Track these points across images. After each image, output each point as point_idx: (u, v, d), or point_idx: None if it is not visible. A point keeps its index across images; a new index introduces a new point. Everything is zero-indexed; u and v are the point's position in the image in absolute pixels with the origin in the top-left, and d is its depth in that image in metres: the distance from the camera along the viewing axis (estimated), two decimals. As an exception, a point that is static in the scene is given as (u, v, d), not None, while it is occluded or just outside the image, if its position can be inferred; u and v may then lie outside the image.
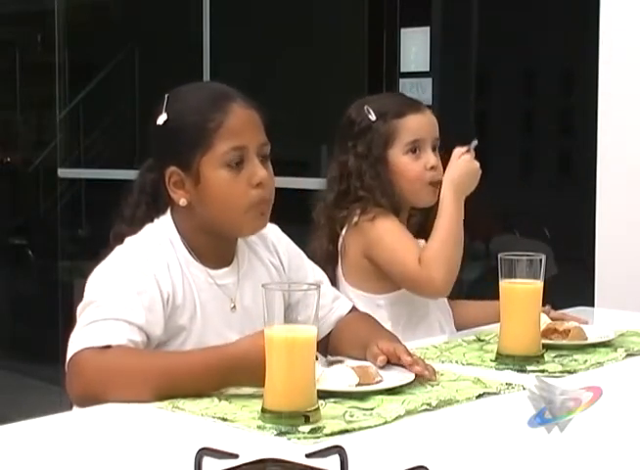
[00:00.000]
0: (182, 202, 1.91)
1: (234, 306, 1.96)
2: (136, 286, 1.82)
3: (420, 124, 2.47)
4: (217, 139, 1.87)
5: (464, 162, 2.39)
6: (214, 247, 1.95)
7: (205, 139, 1.87)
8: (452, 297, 2.56)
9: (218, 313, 1.93)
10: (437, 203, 2.47)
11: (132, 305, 1.79)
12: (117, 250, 1.90)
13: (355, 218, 2.43)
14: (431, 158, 2.45)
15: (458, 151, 2.40)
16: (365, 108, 2.47)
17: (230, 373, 1.69)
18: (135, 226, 1.97)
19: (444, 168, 2.48)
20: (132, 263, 1.86)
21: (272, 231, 2.09)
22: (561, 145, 4.38)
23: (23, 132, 6.84)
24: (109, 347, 1.73)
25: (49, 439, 1.56)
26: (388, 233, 2.40)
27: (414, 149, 2.45)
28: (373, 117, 2.46)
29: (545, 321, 2.18)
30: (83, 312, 1.80)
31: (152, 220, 1.97)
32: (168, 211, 1.96)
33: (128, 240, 1.92)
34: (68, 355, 1.74)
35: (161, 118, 1.91)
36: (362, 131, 2.47)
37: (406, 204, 2.50)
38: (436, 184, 2.45)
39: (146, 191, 2.00)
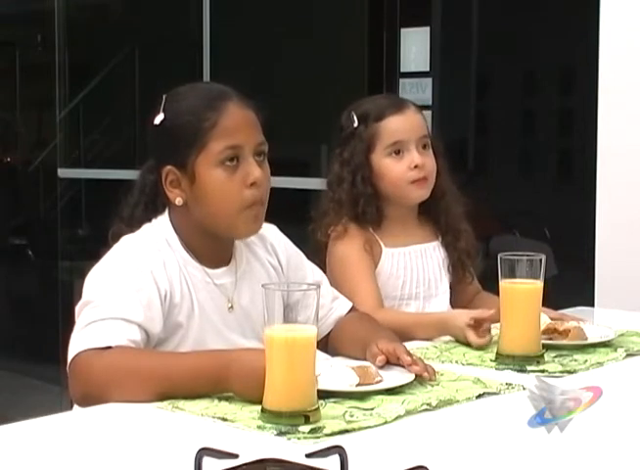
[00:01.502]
0: (178, 201, 1.91)
1: (231, 306, 1.96)
2: (133, 283, 1.82)
3: (400, 125, 2.46)
4: (212, 138, 1.87)
5: (475, 338, 2.19)
6: (211, 246, 1.95)
7: (200, 138, 1.87)
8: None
9: (216, 312, 1.94)
10: (441, 196, 2.49)
11: (130, 303, 1.79)
12: (114, 248, 1.91)
13: (330, 229, 2.46)
14: (414, 157, 2.45)
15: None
16: (350, 114, 2.49)
17: (225, 381, 1.69)
18: (133, 226, 1.97)
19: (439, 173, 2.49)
20: (129, 261, 1.86)
21: (271, 231, 2.09)
22: (561, 145, 4.38)
23: (23, 132, 6.84)
24: (109, 347, 1.73)
25: (49, 439, 1.56)
26: (346, 264, 2.41)
27: (396, 150, 2.45)
28: (355, 122, 2.47)
29: (545, 321, 2.18)
30: (81, 313, 1.80)
31: (150, 220, 1.97)
32: (166, 211, 1.97)
33: (125, 238, 1.93)
34: (69, 357, 1.74)
35: (158, 118, 1.92)
36: (347, 138, 2.49)
37: (394, 206, 2.50)
38: (421, 181, 2.46)
39: (146, 192, 2.00)
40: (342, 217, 2.46)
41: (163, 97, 1.95)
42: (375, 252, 2.47)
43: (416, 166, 2.44)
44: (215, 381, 1.69)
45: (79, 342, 1.75)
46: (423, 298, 2.50)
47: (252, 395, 1.63)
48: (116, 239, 1.95)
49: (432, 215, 2.56)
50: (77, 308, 1.82)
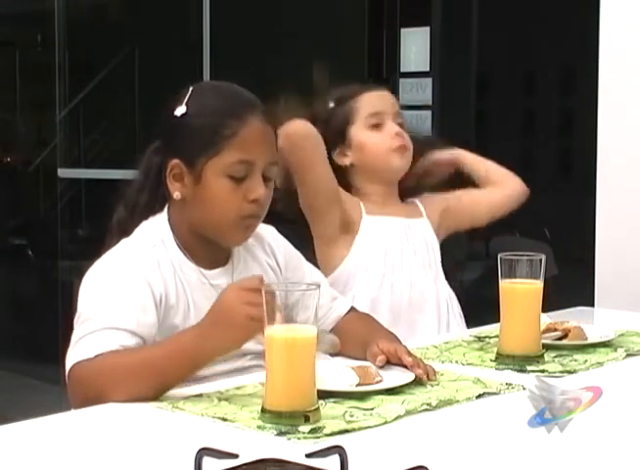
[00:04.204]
0: (176, 195, 1.90)
1: None
2: (126, 291, 1.81)
3: (378, 99, 2.51)
4: (228, 147, 1.85)
5: None
6: (207, 247, 1.94)
7: (216, 144, 1.86)
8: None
9: None
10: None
11: (122, 311, 1.78)
12: (106, 254, 1.89)
13: None
14: (393, 127, 2.47)
15: None
16: (326, 103, 2.52)
17: (206, 334, 1.69)
18: (136, 213, 1.97)
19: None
20: (121, 268, 1.84)
21: (269, 233, 2.08)
22: (561, 145, 4.38)
23: (23, 132, 6.84)
24: (100, 355, 1.73)
25: (49, 439, 1.56)
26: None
27: (375, 123, 2.47)
28: (332, 104, 2.50)
29: (545, 321, 2.18)
30: (75, 327, 1.79)
31: (152, 209, 1.96)
32: (165, 208, 1.96)
33: (119, 244, 1.91)
34: (66, 373, 1.74)
35: (180, 110, 1.89)
36: (324, 122, 2.48)
37: (374, 182, 2.50)
38: (402, 149, 2.47)
39: (150, 176, 1.98)
40: None
41: (189, 89, 1.92)
42: (355, 212, 2.47)
43: (396, 134, 2.46)
44: (196, 340, 1.70)
45: (72, 357, 1.74)
46: (409, 269, 2.48)
47: (231, 332, 1.65)
48: (120, 226, 1.96)
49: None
50: (74, 321, 1.82)
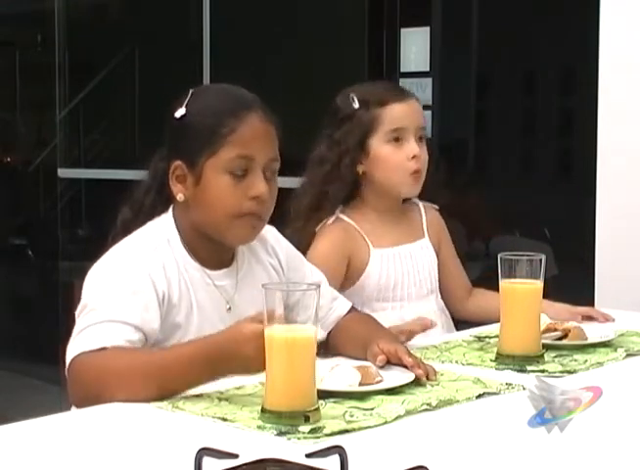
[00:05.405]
0: (179, 197, 1.91)
1: (229, 308, 1.96)
2: (131, 286, 1.82)
3: (403, 113, 2.43)
4: (226, 145, 1.86)
5: None
6: (211, 247, 1.95)
7: (215, 143, 1.87)
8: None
9: (215, 313, 1.93)
10: (424, 192, 2.48)
11: (127, 306, 1.79)
12: (112, 250, 1.90)
13: (319, 226, 2.44)
14: (413, 147, 2.42)
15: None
16: (350, 96, 2.46)
17: (219, 361, 1.68)
18: (141, 214, 1.98)
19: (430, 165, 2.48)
20: (126, 264, 1.86)
21: (271, 233, 2.09)
22: (561, 145, 4.38)
23: (23, 132, 6.84)
24: (104, 348, 1.73)
25: (49, 439, 1.56)
26: (318, 258, 2.36)
27: (396, 138, 2.42)
28: (356, 104, 2.44)
29: (545, 321, 2.18)
30: (79, 318, 1.80)
31: (157, 210, 1.97)
32: (171, 208, 1.97)
33: (125, 240, 1.92)
34: (67, 363, 1.74)
35: (179, 112, 1.91)
36: (344, 120, 2.45)
37: (381, 196, 2.48)
38: (417, 176, 2.44)
39: (158, 177, 1.99)
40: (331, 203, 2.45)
41: (189, 92, 1.94)
42: (362, 252, 2.45)
43: (414, 157, 2.42)
44: (212, 366, 1.69)
45: (75, 346, 1.75)
46: (415, 298, 2.48)
47: (254, 360, 1.61)
48: (126, 226, 1.97)
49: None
50: (77, 313, 1.82)
